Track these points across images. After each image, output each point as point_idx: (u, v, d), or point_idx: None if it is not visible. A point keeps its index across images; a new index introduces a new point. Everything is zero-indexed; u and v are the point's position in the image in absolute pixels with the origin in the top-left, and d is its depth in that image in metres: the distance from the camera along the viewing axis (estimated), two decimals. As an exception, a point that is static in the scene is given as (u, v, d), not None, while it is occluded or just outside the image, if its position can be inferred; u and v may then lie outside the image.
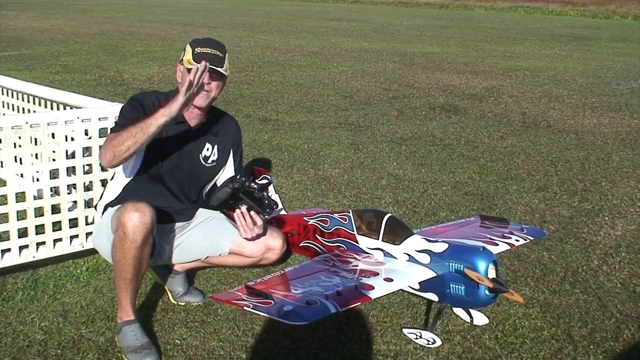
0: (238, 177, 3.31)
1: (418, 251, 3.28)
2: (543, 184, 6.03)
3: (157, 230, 3.19)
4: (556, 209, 5.35)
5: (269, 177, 4.11)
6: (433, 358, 3.18)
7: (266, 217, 3.36)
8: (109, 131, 3.38)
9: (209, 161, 3.52)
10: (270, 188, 4.03)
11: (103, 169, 3.93)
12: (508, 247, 3.61)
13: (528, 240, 3.75)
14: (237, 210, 3.28)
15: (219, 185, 3.60)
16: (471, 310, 3.47)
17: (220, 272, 3.97)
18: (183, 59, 3.31)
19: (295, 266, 3.36)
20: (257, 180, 3.78)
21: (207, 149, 3.50)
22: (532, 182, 6.07)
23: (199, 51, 3.26)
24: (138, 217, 2.98)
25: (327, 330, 3.36)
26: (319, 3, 40.09)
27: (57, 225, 3.88)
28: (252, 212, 3.28)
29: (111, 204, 3.37)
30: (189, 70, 3.26)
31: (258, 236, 3.39)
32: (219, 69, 3.25)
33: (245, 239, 3.39)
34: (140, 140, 3.01)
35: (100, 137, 3.88)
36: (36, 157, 4.03)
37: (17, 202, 3.69)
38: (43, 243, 3.84)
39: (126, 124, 3.12)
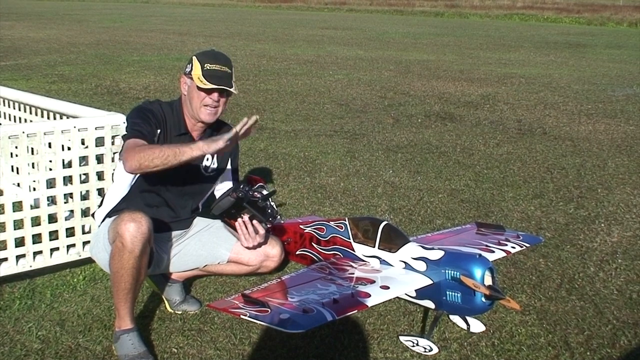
0: (241, 186, 3.31)
1: (414, 259, 3.29)
2: (539, 190, 6.04)
3: (155, 239, 3.20)
4: (552, 216, 5.36)
5: (265, 186, 4.12)
6: (430, 365, 3.19)
7: (268, 225, 3.37)
8: (121, 138, 3.36)
9: (209, 170, 3.53)
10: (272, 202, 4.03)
11: (100, 178, 3.94)
12: (504, 254, 3.62)
13: (524, 247, 3.76)
14: (239, 219, 3.28)
15: (216, 193, 3.62)
16: (468, 318, 3.47)
17: (217, 281, 3.98)
18: (192, 74, 3.28)
19: (291, 274, 3.36)
20: (263, 191, 3.80)
21: (208, 159, 3.50)
22: (528, 189, 6.09)
23: (208, 68, 3.24)
24: (135, 228, 2.98)
25: (323, 338, 3.36)
26: (315, 11, 40.20)
27: (54, 235, 3.88)
28: (254, 221, 3.28)
29: (109, 214, 3.37)
30: (199, 88, 3.25)
31: (259, 245, 3.40)
32: (230, 89, 3.26)
33: (247, 247, 3.40)
34: (169, 164, 2.98)
35: (96, 146, 3.89)
36: (33, 167, 4.04)
37: (14, 211, 3.69)
38: (40, 252, 3.84)
39: (145, 132, 3.16)
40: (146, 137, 3.18)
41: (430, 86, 12.09)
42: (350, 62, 15.53)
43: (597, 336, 3.51)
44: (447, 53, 17.98)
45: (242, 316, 2.83)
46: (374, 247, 3.45)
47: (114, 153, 3.92)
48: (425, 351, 3.24)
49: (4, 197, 3.67)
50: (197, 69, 3.26)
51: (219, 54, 3.36)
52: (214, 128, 3.51)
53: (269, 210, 3.29)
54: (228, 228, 3.59)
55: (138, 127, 3.21)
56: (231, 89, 3.27)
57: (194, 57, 3.32)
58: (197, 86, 3.26)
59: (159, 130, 3.31)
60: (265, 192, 4.00)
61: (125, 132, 3.27)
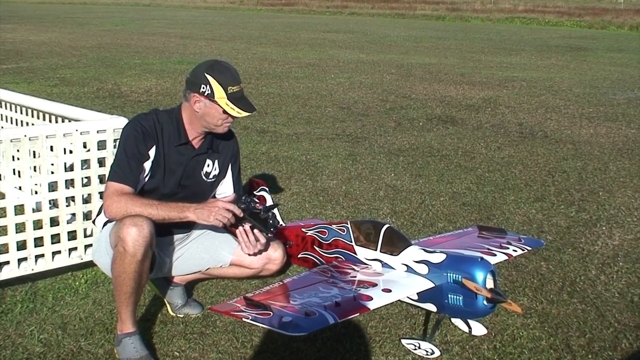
0: (243, 198, 3.31)
1: (416, 262, 3.29)
2: (540, 194, 6.04)
3: (157, 243, 3.20)
4: (554, 219, 5.36)
5: (267, 189, 4.13)
6: (432, 368, 3.19)
7: (270, 235, 3.36)
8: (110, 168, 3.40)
9: (210, 176, 3.52)
10: (275, 210, 4.01)
11: (102, 182, 3.94)
12: (506, 257, 3.62)
13: (526, 251, 3.76)
14: (240, 228, 3.27)
15: (217, 197, 3.61)
16: (469, 321, 3.47)
17: (219, 284, 3.98)
18: (216, 99, 3.19)
19: (293, 277, 3.37)
20: (265, 195, 3.78)
21: (208, 165, 3.49)
22: (530, 192, 6.09)
23: (232, 92, 3.21)
24: (137, 232, 2.99)
25: (325, 341, 3.36)
26: (316, 15, 40.22)
27: (55, 238, 3.88)
28: (255, 230, 3.28)
29: (110, 219, 3.36)
30: (227, 112, 3.23)
31: (260, 252, 3.39)
32: (252, 113, 3.30)
33: (247, 254, 3.39)
34: (156, 219, 3.12)
35: (98, 149, 3.89)
36: (35, 170, 4.04)
37: (16, 214, 3.70)
38: (42, 255, 3.85)
39: (130, 177, 3.19)
40: (131, 182, 3.21)
41: (431, 89, 12.09)
42: (352, 65, 15.54)
43: (599, 339, 3.51)
44: (449, 56, 17.99)
45: (244, 319, 2.84)
46: (376, 250, 3.45)
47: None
48: (427, 354, 3.24)
49: (6, 200, 3.68)
50: (219, 92, 3.18)
51: (232, 71, 3.28)
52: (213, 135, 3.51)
53: (271, 221, 3.28)
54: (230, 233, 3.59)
55: (124, 168, 3.21)
56: (253, 113, 3.33)
57: (211, 78, 3.19)
58: (225, 111, 3.22)
59: (153, 148, 3.29)
60: (268, 199, 4.01)
61: (111, 168, 3.30)
